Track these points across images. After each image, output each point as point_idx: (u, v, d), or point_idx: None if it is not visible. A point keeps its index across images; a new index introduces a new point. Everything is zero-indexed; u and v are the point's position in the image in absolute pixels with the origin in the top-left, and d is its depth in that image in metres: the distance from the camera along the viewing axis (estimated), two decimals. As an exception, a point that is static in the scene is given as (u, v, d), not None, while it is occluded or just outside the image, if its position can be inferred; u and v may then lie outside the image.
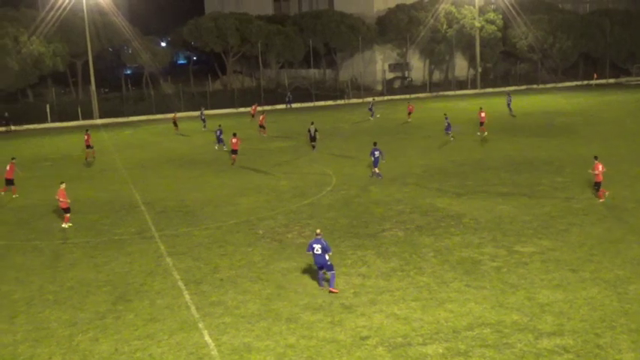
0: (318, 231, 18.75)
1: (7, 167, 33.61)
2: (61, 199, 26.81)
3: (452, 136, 45.04)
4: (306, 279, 19.29)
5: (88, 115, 74.83)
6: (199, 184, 34.54)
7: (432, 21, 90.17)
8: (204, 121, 59.53)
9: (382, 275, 19.32)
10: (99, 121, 75.54)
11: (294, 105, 78.84)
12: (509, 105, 60.43)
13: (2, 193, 33.55)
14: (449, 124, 46.01)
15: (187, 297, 18.29)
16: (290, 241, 23.21)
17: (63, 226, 26.78)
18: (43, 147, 55.69)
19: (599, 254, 20.32)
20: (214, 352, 14.81)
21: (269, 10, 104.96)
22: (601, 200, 26.76)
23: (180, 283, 19.46)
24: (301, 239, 23.35)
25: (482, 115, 47.21)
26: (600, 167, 26.80)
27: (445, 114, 49.44)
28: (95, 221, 27.60)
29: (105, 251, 23.17)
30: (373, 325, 15.81)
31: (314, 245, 18.15)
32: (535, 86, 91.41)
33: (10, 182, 33.46)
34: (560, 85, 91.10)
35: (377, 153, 33.84)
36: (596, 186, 27.26)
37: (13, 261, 22.66)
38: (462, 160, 37.44)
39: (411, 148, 42.67)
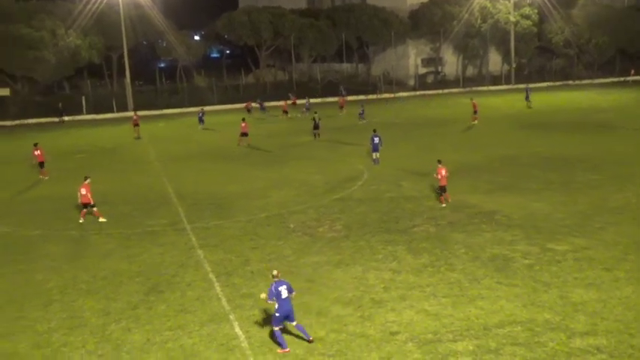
0: (275, 272, 14.89)
1: (37, 152, 36.47)
2: (83, 194, 26.22)
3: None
4: (336, 273, 19.29)
5: (122, 107, 75.74)
6: (231, 177, 34.73)
7: (466, 15, 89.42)
8: (202, 120, 58.11)
9: (413, 271, 19.24)
10: (133, 113, 76.36)
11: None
12: (527, 98, 61.90)
13: (45, 177, 36.53)
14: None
15: (218, 289, 18.41)
16: (321, 235, 23.23)
17: (80, 221, 26.41)
18: (78, 138, 56.51)
19: (634, 253, 19.97)
20: (244, 344, 14.90)
21: (302, 3, 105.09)
22: (443, 205, 26.24)
23: (212, 275, 19.59)
24: (332, 233, 23.36)
25: (475, 104, 51.72)
26: (444, 172, 26.31)
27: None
28: (128, 213, 27.91)
29: (138, 242, 23.42)
30: (403, 321, 15.76)
31: (279, 288, 14.57)
32: (570, 82, 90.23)
33: (41, 165, 36.49)
34: (596, 81, 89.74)
35: (376, 139, 35.85)
36: (440, 190, 26.76)
37: (49, 250, 23.02)
38: (494, 156, 37.10)
39: (442, 144, 42.39)
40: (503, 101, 68.62)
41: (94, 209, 26.72)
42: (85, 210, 26.61)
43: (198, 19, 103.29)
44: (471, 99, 55.37)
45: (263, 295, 14.87)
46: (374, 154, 36.29)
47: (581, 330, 14.84)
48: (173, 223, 25.80)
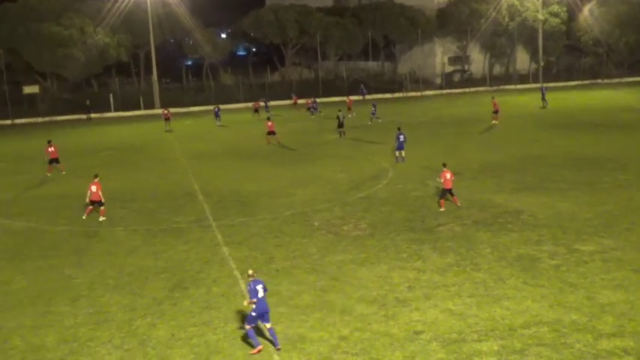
0: (250, 272, 14.81)
1: (51, 149, 37.31)
2: (93, 191, 26.33)
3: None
4: (361, 272, 19.28)
5: (149, 104, 76.38)
6: (256, 175, 34.85)
7: (493, 14, 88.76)
8: (218, 116, 59.89)
9: (437, 270, 19.16)
10: (160, 111, 76.88)
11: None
12: (543, 98, 61.29)
13: (49, 174, 37.17)
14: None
15: (243, 286, 18.47)
16: (346, 234, 23.23)
17: (83, 217, 26.76)
18: (105, 135, 57.10)
19: (664, 255, 19.72)
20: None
21: (328, 1, 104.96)
22: (442, 209, 25.51)
23: (236, 272, 19.68)
24: (357, 232, 23.35)
25: (495, 103, 50.73)
26: (448, 175, 25.46)
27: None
28: (155, 209, 28.15)
29: (164, 239, 23.61)
30: (427, 320, 15.71)
31: (256, 287, 14.49)
32: (599, 81, 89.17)
33: (56, 161, 37.27)
34: (625, 79, 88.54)
35: (401, 137, 35.87)
36: (443, 194, 25.88)
37: (76, 246, 23.30)
38: (520, 155, 36.80)
39: (468, 143, 42.16)
40: (530, 100, 67.99)
41: (102, 207, 26.76)
42: (91, 207, 26.82)
43: (225, 17, 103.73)
44: (492, 98, 54.49)
45: (245, 303, 14.85)
46: (397, 152, 36.23)
47: (609, 331, 14.68)
48: (199, 220, 25.96)
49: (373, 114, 55.42)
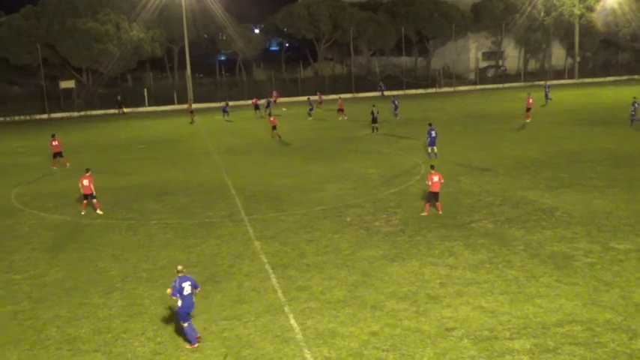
0: (179, 267, 14.81)
1: (55, 142, 38.30)
2: (85, 185, 26.71)
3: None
4: (392, 268, 19.23)
5: (183, 99, 76.98)
6: (288, 170, 34.94)
7: (529, 8, 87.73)
8: (226, 112, 61.33)
9: (470, 267, 19.02)
10: (193, 106, 77.44)
11: (386, 93, 78.38)
12: (547, 95, 61.15)
13: (55, 167, 38.41)
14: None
15: (274, 281, 18.56)
16: (377, 229, 23.18)
17: (82, 213, 27.11)
18: (139, 130, 57.70)
19: (702, 254, 19.33)
20: (299, 336, 14.99)
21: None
22: (424, 214, 24.65)
23: (268, 267, 19.76)
24: (388, 227, 23.28)
25: (530, 101, 49.60)
26: (435, 178, 24.44)
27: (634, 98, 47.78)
28: (187, 204, 28.38)
29: (196, 233, 23.79)
30: (459, 317, 15.61)
31: (183, 284, 14.46)
32: (637, 76, 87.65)
33: (59, 155, 38.68)
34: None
35: (433, 133, 35.81)
36: (429, 197, 25.03)
37: (110, 239, 23.60)
38: (555, 151, 36.34)
39: (503, 139, 41.75)
40: (565, 96, 67.11)
41: (94, 200, 27.21)
42: (85, 201, 27.27)
43: (258, 12, 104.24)
44: (528, 94, 53.42)
45: (168, 291, 14.87)
46: (430, 148, 36.07)
47: (644, 331, 14.45)
48: (231, 215, 26.11)
49: (395, 111, 55.28)
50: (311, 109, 59.96)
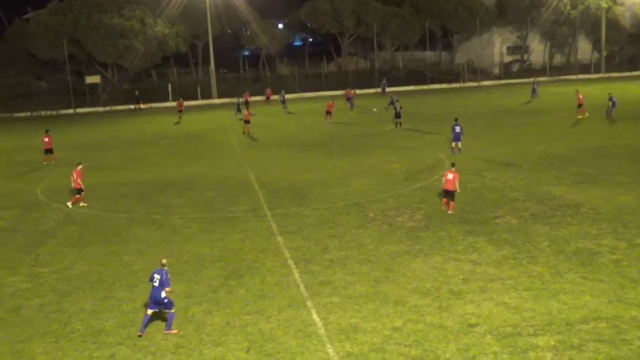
0: (164, 261, 15.80)
1: (46, 139, 39.33)
2: (76, 180, 27.60)
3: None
4: (415, 263, 19.17)
5: (206, 94, 77.42)
6: (311, 165, 34.96)
7: (554, 2, 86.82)
8: (239, 110, 60.76)
9: (493, 263, 18.91)
10: (217, 101, 77.93)
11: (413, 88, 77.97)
12: (534, 91, 61.25)
13: (45, 163, 39.20)
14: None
15: (297, 275, 18.59)
16: (400, 225, 23.12)
17: (68, 204, 27.80)
18: (164, 125, 58.08)
19: None
20: (321, 331, 15.01)
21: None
22: (442, 209, 24.35)
23: (290, 262, 19.80)
24: (412, 223, 23.21)
25: (580, 97, 48.42)
26: (450, 176, 23.83)
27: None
28: (211, 198, 28.52)
29: (219, 227, 23.90)
30: (482, 313, 15.53)
31: (154, 275, 15.39)
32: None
33: (50, 151, 39.37)
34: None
35: (457, 128, 35.63)
36: (449, 195, 24.25)
37: (135, 233, 23.80)
38: (581, 147, 35.97)
39: (527, 134, 41.41)
40: (592, 90, 66.34)
41: (79, 195, 27.86)
42: (77, 196, 27.89)
43: (282, 8, 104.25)
44: (577, 91, 51.44)
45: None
46: (454, 144, 35.89)
47: (671, 329, 14.27)
48: (254, 210, 26.19)
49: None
50: (351, 105, 60.88)
